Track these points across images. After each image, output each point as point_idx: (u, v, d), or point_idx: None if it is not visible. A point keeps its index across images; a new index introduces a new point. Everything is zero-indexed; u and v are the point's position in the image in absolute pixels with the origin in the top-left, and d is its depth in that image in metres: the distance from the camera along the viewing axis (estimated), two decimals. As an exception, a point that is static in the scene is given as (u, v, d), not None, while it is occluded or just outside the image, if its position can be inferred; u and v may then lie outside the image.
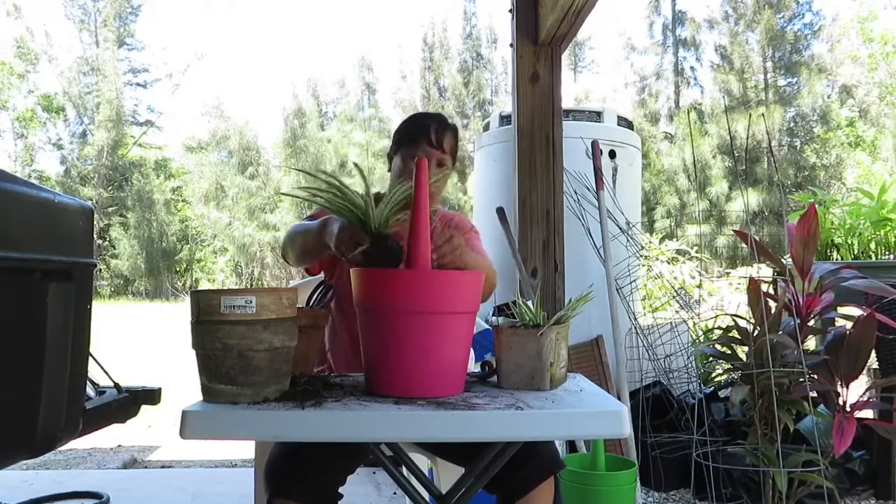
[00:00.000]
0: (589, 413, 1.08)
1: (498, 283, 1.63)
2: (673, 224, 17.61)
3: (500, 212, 3.05)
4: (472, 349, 1.51)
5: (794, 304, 2.16)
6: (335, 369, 1.75)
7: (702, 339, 3.64)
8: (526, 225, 2.98)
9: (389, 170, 1.80)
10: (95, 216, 2.63)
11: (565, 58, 5.63)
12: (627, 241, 3.27)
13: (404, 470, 1.41)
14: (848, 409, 2.05)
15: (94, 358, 1.81)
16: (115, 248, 23.86)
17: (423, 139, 1.72)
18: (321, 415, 1.03)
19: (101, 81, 24.78)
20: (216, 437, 1.06)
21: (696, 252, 7.64)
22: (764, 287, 2.17)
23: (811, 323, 2.18)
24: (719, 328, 2.45)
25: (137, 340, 9.41)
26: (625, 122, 3.69)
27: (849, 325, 2.15)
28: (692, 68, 22.32)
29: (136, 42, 26.97)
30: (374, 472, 2.98)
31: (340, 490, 1.36)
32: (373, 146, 21.46)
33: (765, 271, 4.46)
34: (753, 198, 17.38)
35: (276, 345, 1.10)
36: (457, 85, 23.72)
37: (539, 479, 1.32)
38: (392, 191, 1.29)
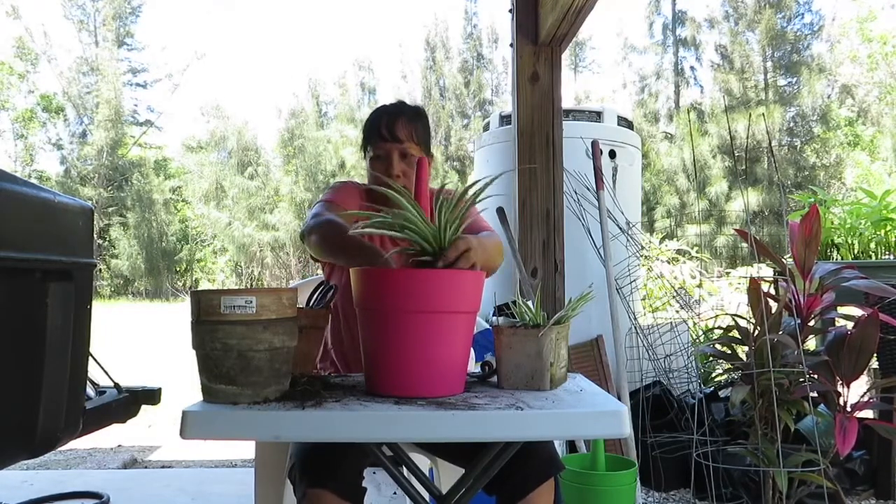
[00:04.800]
0: (589, 413, 1.08)
1: (498, 283, 1.61)
2: (673, 224, 17.61)
3: (500, 212, 3.05)
4: (472, 349, 1.51)
5: (794, 303, 2.16)
6: (339, 368, 1.74)
7: (702, 339, 3.64)
8: (526, 225, 2.98)
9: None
10: (95, 216, 2.63)
11: (565, 58, 5.63)
12: (627, 241, 3.27)
13: (404, 470, 1.41)
14: (849, 409, 2.05)
15: (94, 358, 1.81)
16: (115, 248, 23.86)
17: (376, 137, 1.70)
18: (321, 415, 1.03)
19: (100, 81, 24.78)
20: (216, 437, 1.06)
21: (696, 252, 7.64)
22: (764, 287, 2.17)
23: (812, 323, 2.17)
24: (719, 328, 2.45)
25: (137, 340, 9.41)
26: (625, 122, 3.69)
27: (849, 325, 2.15)
28: (692, 68, 22.32)
29: (135, 42, 27.00)
30: (374, 472, 2.98)
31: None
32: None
33: (765, 271, 4.47)
34: (753, 198, 17.38)
35: (277, 345, 1.10)
36: (457, 85, 23.71)
37: (538, 481, 1.32)
38: (445, 214, 1.17)
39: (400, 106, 1.77)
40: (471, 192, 1.20)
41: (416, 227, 1.14)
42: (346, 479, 1.28)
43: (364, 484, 1.33)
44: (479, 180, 1.22)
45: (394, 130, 1.69)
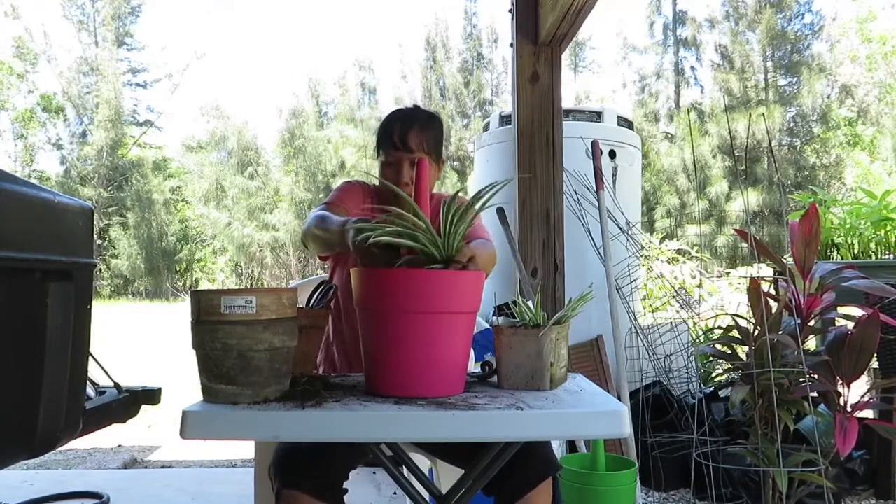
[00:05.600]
0: (589, 413, 1.08)
1: (498, 283, 1.62)
2: (673, 224, 17.61)
3: (500, 212, 3.05)
4: (472, 349, 1.51)
5: (794, 303, 2.16)
6: (339, 368, 1.75)
7: (702, 338, 3.64)
8: (526, 225, 2.98)
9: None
10: (95, 216, 2.63)
11: (565, 58, 5.63)
12: (627, 241, 3.27)
13: (404, 470, 1.41)
14: (849, 409, 2.05)
15: (94, 358, 1.81)
16: (115, 248, 23.85)
17: (388, 145, 1.72)
18: (321, 415, 1.03)
19: (100, 81, 24.77)
20: (216, 437, 1.06)
21: (696, 252, 7.64)
22: (764, 287, 2.16)
23: (812, 323, 2.17)
24: (719, 328, 2.45)
25: (137, 340, 9.41)
26: (625, 122, 3.69)
27: (849, 325, 2.15)
28: (692, 68, 22.31)
29: (135, 42, 26.95)
30: (374, 472, 2.98)
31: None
32: (372, 146, 21.42)
33: (765, 271, 4.47)
34: (753, 198, 17.38)
35: (277, 345, 1.10)
36: (457, 85, 23.69)
37: (537, 481, 1.32)
38: (450, 220, 1.18)
39: (414, 113, 1.77)
40: (477, 201, 1.21)
41: (426, 236, 1.15)
42: (324, 480, 1.28)
43: (364, 484, 1.33)
44: (484, 188, 1.22)
45: (406, 140, 1.70)
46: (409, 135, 1.70)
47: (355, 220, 1.37)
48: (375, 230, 1.17)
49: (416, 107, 1.83)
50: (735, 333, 2.20)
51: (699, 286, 5.76)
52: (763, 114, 16.21)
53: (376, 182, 1.85)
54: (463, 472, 1.29)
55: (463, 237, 1.18)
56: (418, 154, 1.70)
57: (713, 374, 3.55)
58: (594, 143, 3.21)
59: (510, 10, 3.08)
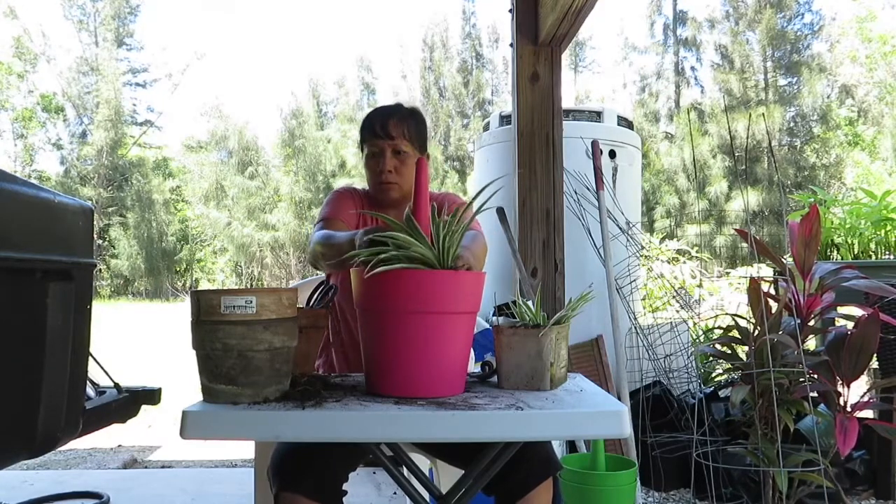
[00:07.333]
0: (589, 413, 1.08)
1: (498, 283, 1.62)
2: (673, 224, 17.61)
3: (500, 212, 3.05)
4: (472, 349, 1.51)
5: (794, 303, 2.16)
6: (337, 369, 1.75)
7: (702, 338, 3.64)
8: (526, 225, 2.98)
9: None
10: (95, 216, 2.63)
11: (565, 58, 5.63)
12: (627, 241, 3.27)
13: (404, 470, 1.41)
14: (849, 409, 2.05)
15: (94, 358, 1.81)
16: (114, 248, 23.87)
17: (369, 135, 1.76)
18: (321, 415, 1.03)
19: (100, 81, 24.78)
20: (216, 437, 1.05)
21: (696, 252, 7.64)
22: (764, 287, 2.16)
23: (812, 323, 2.17)
24: (719, 328, 2.45)
25: (137, 340, 9.41)
26: (625, 122, 3.68)
27: (849, 325, 2.15)
28: (692, 68, 22.32)
29: (134, 42, 26.98)
30: (374, 472, 2.98)
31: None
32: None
33: (765, 271, 4.47)
34: (753, 198, 17.38)
35: (277, 345, 1.10)
36: (457, 85, 23.70)
37: (537, 481, 1.32)
38: (443, 230, 1.17)
39: (395, 106, 1.82)
40: (473, 204, 1.22)
41: (421, 254, 1.14)
42: (322, 481, 1.28)
43: (364, 484, 1.33)
44: (476, 195, 1.22)
45: (386, 127, 1.74)
46: (390, 123, 1.74)
47: (364, 231, 1.38)
48: (385, 238, 1.16)
49: (397, 103, 1.87)
50: (735, 333, 2.20)
51: (699, 286, 5.76)
52: (763, 114, 16.22)
53: (366, 186, 1.87)
54: (463, 472, 1.29)
55: (456, 247, 1.18)
56: (399, 140, 1.74)
57: (713, 374, 3.54)
58: (594, 143, 3.21)
59: (510, 10, 3.08)
